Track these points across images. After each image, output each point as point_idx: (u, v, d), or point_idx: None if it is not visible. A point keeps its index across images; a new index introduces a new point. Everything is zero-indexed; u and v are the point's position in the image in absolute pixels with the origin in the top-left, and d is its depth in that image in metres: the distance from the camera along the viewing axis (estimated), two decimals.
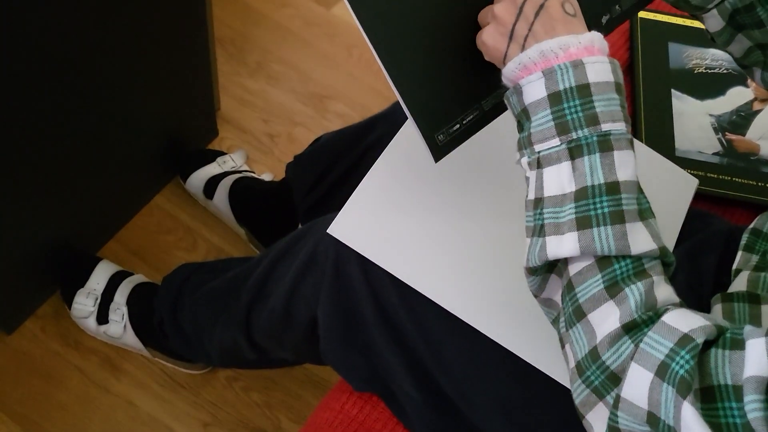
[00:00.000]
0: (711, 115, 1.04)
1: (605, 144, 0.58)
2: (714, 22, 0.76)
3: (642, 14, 1.10)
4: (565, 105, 0.59)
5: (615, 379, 0.54)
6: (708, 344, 0.52)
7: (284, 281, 0.86)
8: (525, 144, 0.61)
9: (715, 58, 1.08)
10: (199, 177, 1.27)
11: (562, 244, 0.57)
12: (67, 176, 1.08)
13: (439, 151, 0.69)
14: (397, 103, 0.73)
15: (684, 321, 0.53)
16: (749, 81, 1.06)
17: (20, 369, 1.15)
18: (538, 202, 0.60)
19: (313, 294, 0.83)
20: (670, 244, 0.84)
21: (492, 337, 0.75)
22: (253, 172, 1.31)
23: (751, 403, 0.48)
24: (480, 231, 0.79)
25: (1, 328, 1.16)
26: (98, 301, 1.14)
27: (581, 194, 0.58)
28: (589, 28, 0.63)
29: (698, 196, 0.95)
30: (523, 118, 0.62)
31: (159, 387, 1.16)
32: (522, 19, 0.62)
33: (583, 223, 0.57)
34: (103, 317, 1.14)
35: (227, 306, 0.96)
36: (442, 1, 0.67)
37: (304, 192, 1.09)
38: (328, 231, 0.78)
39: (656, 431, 0.52)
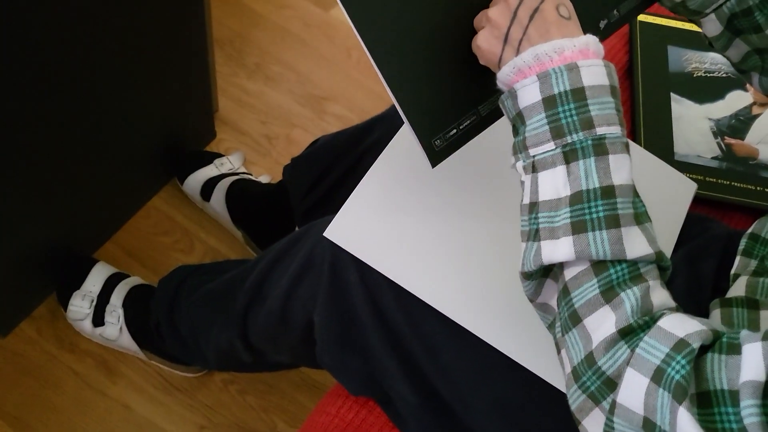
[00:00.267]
0: (710, 119, 1.03)
1: (600, 148, 0.58)
2: (712, 26, 0.76)
3: (641, 17, 1.10)
4: (560, 109, 0.58)
5: (611, 384, 0.54)
6: (704, 349, 0.52)
7: (281, 284, 0.85)
8: (520, 148, 0.61)
9: (715, 61, 1.07)
10: (197, 179, 1.27)
11: (558, 249, 0.57)
12: (63, 177, 1.08)
13: (436, 157, 0.69)
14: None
15: (680, 326, 0.53)
16: (748, 85, 1.06)
17: (15, 371, 1.14)
18: (533, 207, 0.60)
19: (309, 297, 0.82)
20: (669, 249, 0.84)
21: (489, 341, 0.75)
22: (251, 174, 1.31)
23: (748, 408, 0.48)
24: (477, 235, 0.79)
25: None
26: (94, 303, 1.14)
27: (576, 198, 0.57)
28: (587, 33, 0.62)
29: (697, 201, 0.95)
30: (518, 122, 0.61)
31: (155, 390, 1.16)
32: (516, 22, 0.62)
33: (578, 228, 0.57)
34: (99, 319, 1.13)
35: (224, 308, 0.96)
36: (438, 6, 0.67)
37: (301, 194, 1.09)
38: (324, 234, 0.77)
39: None
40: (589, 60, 0.59)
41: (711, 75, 1.07)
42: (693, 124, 1.03)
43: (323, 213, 0.85)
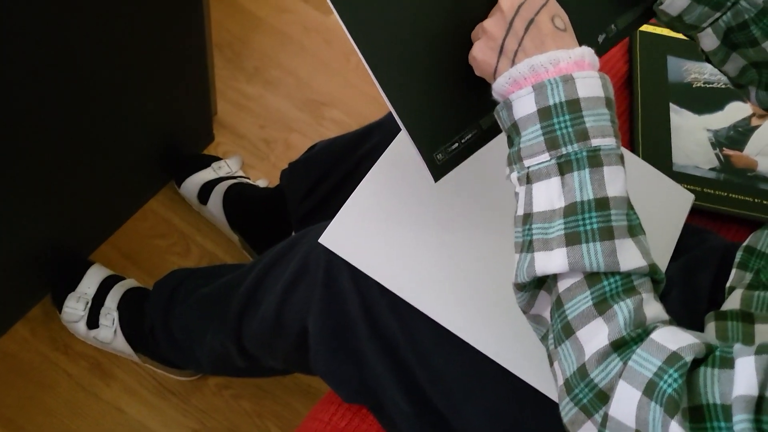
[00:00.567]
0: (709, 130, 1.03)
1: (595, 159, 0.58)
2: (709, 41, 0.76)
3: (641, 27, 1.09)
4: (555, 120, 0.58)
5: (603, 397, 0.54)
6: (697, 362, 0.52)
7: (275, 289, 0.85)
8: (515, 159, 0.61)
9: (714, 72, 1.07)
10: (194, 182, 1.27)
11: (551, 260, 0.57)
12: (61, 179, 1.08)
13: (438, 171, 0.69)
14: None
15: (673, 339, 0.53)
16: None
17: (9, 372, 1.14)
18: (527, 218, 0.59)
19: (304, 303, 0.82)
20: (665, 260, 0.84)
21: (482, 351, 0.75)
22: (248, 178, 1.31)
23: (740, 423, 0.48)
24: (472, 243, 0.79)
25: None
26: (89, 305, 1.13)
27: (570, 210, 0.57)
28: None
29: (695, 212, 0.94)
30: (513, 133, 0.61)
31: (148, 393, 1.15)
32: (512, 33, 0.62)
33: (572, 239, 0.56)
34: (93, 322, 1.13)
35: (218, 313, 0.95)
36: (438, 20, 0.67)
37: (298, 199, 1.09)
38: (319, 240, 0.77)
39: None
40: (584, 71, 0.59)
41: (710, 86, 1.07)
42: (692, 134, 1.02)
43: (320, 218, 0.85)
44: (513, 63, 0.61)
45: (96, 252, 1.24)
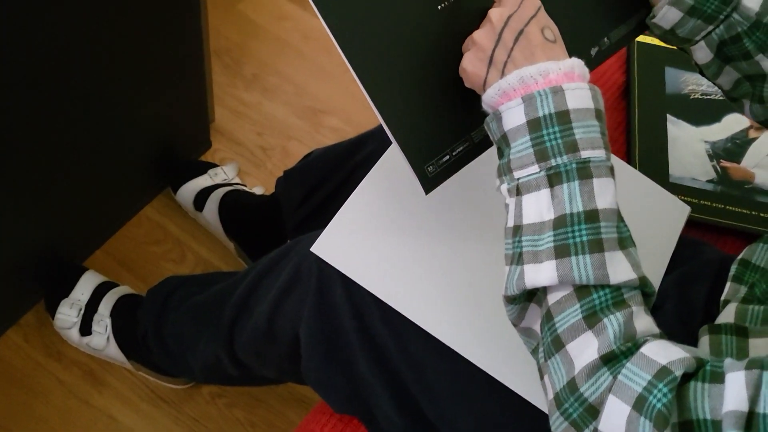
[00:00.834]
0: (706, 141, 1.03)
1: (584, 171, 0.57)
2: (702, 54, 0.76)
3: (639, 38, 1.09)
4: (545, 132, 0.58)
5: (593, 411, 0.53)
6: (687, 377, 0.51)
7: (268, 298, 0.85)
8: (504, 170, 0.60)
9: (712, 84, 1.07)
10: (190, 189, 1.26)
11: (540, 273, 0.57)
12: (56, 184, 1.07)
13: (429, 183, 0.69)
14: None
15: (663, 352, 0.52)
16: None
17: (0, 379, 1.13)
18: (517, 230, 0.59)
19: (296, 312, 0.82)
20: (660, 272, 0.83)
21: (474, 362, 0.74)
22: (245, 186, 1.30)
23: None
24: (464, 254, 0.78)
25: None
26: (82, 311, 1.13)
27: (560, 222, 0.57)
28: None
29: (691, 224, 0.94)
30: (502, 145, 0.61)
31: (141, 401, 1.15)
32: (501, 45, 0.62)
33: (561, 252, 0.56)
34: (86, 328, 1.12)
35: (211, 321, 0.95)
36: (429, 33, 0.67)
37: (293, 207, 1.08)
38: (311, 249, 0.77)
39: None
40: (574, 83, 0.59)
41: (708, 97, 1.06)
42: (689, 146, 1.02)
43: (315, 226, 0.85)
44: (503, 74, 0.61)
45: (90, 258, 1.24)
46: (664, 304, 0.80)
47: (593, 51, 0.76)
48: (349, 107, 1.47)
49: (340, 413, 0.84)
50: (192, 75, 1.21)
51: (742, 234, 0.97)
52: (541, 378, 0.59)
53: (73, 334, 1.13)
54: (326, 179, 1.04)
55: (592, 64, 0.76)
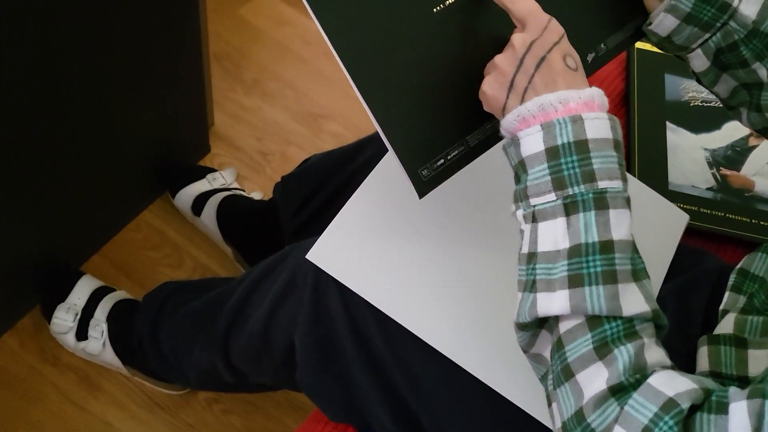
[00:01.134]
0: (706, 149, 1.02)
1: (601, 202, 0.57)
2: (699, 62, 0.75)
3: (639, 45, 1.09)
4: (563, 160, 0.58)
5: None
6: (694, 408, 0.51)
7: (263, 305, 0.84)
8: (521, 196, 0.61)
9: None
10: (188, 193, 1.26)
11: (553, 302, 0.57)
12: (53, 187, 1.07)
13: (423, 187, 0.68)
14: None
15: (670, 384, 0.52)
16: None
17: None
18: (532, 257, 0.59)
19: (291, 319, 0.81)
20: (659, 281, 0.82)
21: (471, 372, 0.74)
22: (243, 191, 1.30)
23: None
24: (461, 262, 0.78)
25: None
26: (78, 316, 1.12)
27: (574, 251, 0.57)
28: None
29: (691, 232, 0.93)
30: (519, 170, 0.61)
31: (137, 407, 1.14)
32: (522, 70, 0.62)
33: (574, 281, 0.56)
34: (82, 333, 1.12)
35: (206, 328, 0.94)
36: (424, 35, 0.66)
37: (290, 213, 1.08)
38: (306, 257, 0.76)
39: None
40: (593, 113, 0.59)
41: (708, 104, 1.06)
42: (688, 153, 1.01)
43: (312, 232, 0.84)
44: (522, 100, 0.61)
45: (88, 263, 1.23)
46: (663, 312, 0.79)
47: (590, 57, 0.75)
48: (349, 112, 1.46)
49: (335, 422, 0.83)
50: (191, 79, 1.21)
51: (742, 242, 0.96)
52: (549, 406, 0.59)
53: (69, 339, 1.13)
54: (324, 185, 1.03)
55: (589, 70, 0.75)
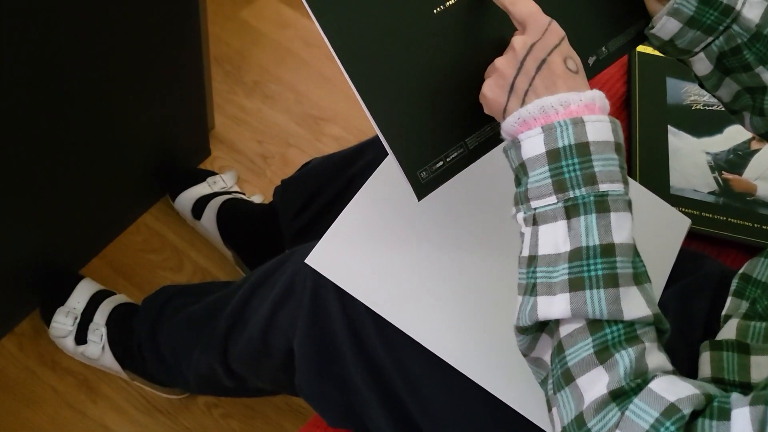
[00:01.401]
0: (707, 152, 1.02)
1: (602, 205, 0.57)
2: (702, 66, 0.75)
3: (640, 48, 1.08)
4: (564, 163, 0.58)
5: None
6: (696, 414, 0.51)
7: (262, 309, 0.84)
8: (521, 199, 0.60)
9: None
10: (188, 196, 1.26)
11: (554, 305, 0.56)
12: (53, 190, 1.07)
13: (421, 189, 0.67)
14: None
15: (672, 389, 0.52)
16: None
17: None
18: (532, 260, 0.59)
19: (290, 324, 0.81)
20: (660, 286, 0.82)
21: (470, 376, 0.73)
22: (243, 194, 1.30)
23: None
24: (461, 267, 0.77)
25: None
26: (77, 320, 1.12)
27: (575, 255, 0.56)
28: None
29: (692, 236, 0.93)
30: (520, 173, 0.61)
31: (136, 411, 1.13)
32: (523, 73, 0.61)
33: (575, 285, 0.56)
34: (81, 337, 1.12)
35: (205, 332, 0.94)
36: (424, 36, 0.66)
37: (290, 217, 1.08)
38: (306, 261, 0.76)
39: None
40: (594, 115, 0.59)
41: (710, 108, 1.05)
42: (690, 157, 1.01)
43: (312, 235, 0.84)
44: (523, 103, 0.61)
45: (87, 266, 1.23)
46: (665, 317, 0.79)
47: (591, 60, 0.75)
48: (350, 115, 1.46)
49: (334, 427, 0.83)
50: (191, 82, 1.21)
51: (744, 247, 0.95)
52: (549, 410, 0.58)
53: (68, 343, 1.12)
54: (323, 189, 1.03)
55: (590, 73, 0.75)
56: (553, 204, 0.58)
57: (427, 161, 0.67)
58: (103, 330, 1.11)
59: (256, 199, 1.30)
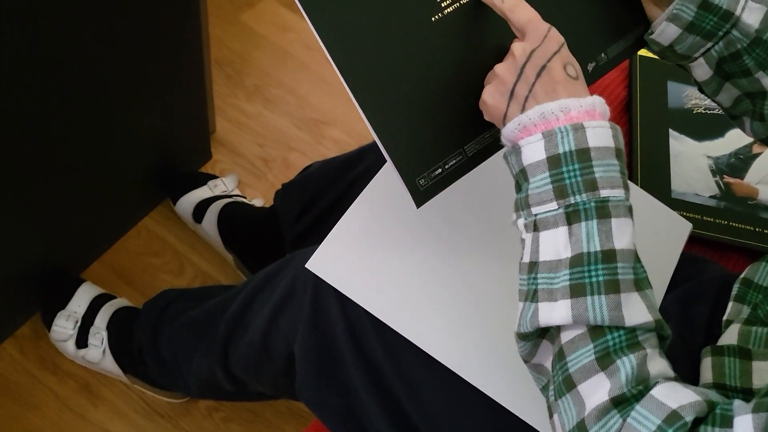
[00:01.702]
0: (709, 156, 1.01)
1: (603, 210, 0.57)
2: (701, 71, 0.75)
3: (642, 52, 1.08)
4: (564, 169, 0.58)
5: None
6: (698, 421, 0.51)
7: (262, 314, 0.84)
8: (522, 205, 0.60)
9: None
10: (189, 200, 1.26)
11: (555, 312, 0.56)
12: (53, 194, 1.07)
13: (420, 196, 0.67)
14: None
15: (674, 396, 0.52)
16: None
17: None
18: (533, 266, 0.58)
19: (290, 328, 0.81)
20: (662, 291, 0.82)
21: (469, 380, 0.73)
22: (244, 197, 1.30)
23: None
24: (461, 272, 0.77)
25: None
26: (78, 324, 1.12)
27: (576, 261, 0.56)
28: None
29: (694, 240, 0.93)
30: (521, 179, 0.61)
31: (137, 415, 1.13)
32: (522, 79, 0.61)
33: (576, 291, 0.56)
34: (82, 341, 1.12)
35: (206, 336, 0.94)
36: (422, 43, 0.66)
37: (291, 221, 1.07)
38: (306, 266, 0.76)
39: None
40: (595, 121, 0.59)
41: (711, 112, 1.05)
42: (691, 161, 1.01)
43: (313, 240, 0.84)
44: (523, 109, 0.61)
45: (88, 270, 1.23)
46: (666, 322, 0.79)
47: (590, 66, 0.75)
48: (351, 118, 1.46)
49: (334, 431, 0.83)
50: (192, 85, 1.21)
51: (746, 251, 0.95)
52: (550, 417, 0.58)
53: (69, 347, 1.12)
54: (324, 193, 1.03)
55: (589, 79, 0.75)
56: (554, 210, 0.58)
57: (426, 168, 0.67)
58: (104, 334, 1.11)
59: (257, 202, 1.30)
